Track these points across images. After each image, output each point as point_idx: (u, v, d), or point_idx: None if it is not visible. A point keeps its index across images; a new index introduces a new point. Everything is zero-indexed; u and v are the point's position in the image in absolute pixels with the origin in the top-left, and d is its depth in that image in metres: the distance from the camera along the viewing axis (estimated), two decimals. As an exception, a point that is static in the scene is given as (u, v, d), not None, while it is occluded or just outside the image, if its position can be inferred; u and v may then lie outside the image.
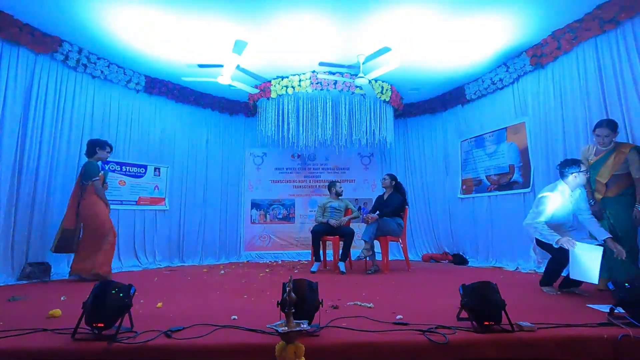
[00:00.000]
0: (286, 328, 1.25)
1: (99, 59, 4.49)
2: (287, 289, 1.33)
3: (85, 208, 3.71)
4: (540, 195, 2.91)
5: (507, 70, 4.65)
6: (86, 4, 3.50)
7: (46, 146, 3.99)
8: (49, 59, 4.05)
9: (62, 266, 4.02)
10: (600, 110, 3.51)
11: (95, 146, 3.84)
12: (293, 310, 1.29)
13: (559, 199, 2.84)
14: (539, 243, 2.97)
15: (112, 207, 4.65)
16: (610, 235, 2.73)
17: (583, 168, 2.82)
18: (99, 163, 3.87)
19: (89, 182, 3.71)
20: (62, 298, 2.66)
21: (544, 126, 4.21)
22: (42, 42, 3.91)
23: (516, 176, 4.71)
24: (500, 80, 4.80)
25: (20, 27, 3.69)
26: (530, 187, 4.44)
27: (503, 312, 1.74)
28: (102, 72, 4.56)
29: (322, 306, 1.76)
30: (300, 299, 1.59)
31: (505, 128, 4.88)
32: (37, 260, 3.77)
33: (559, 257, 2.78)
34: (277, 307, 1.66)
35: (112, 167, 4.80)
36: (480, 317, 1.74)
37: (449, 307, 2.09)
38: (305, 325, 1.30)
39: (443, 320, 1.86)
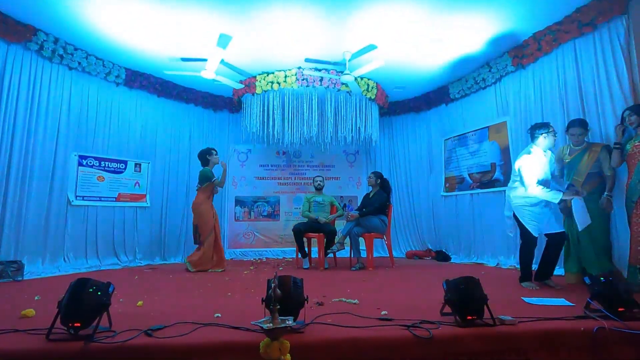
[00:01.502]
0: (271, 325, 1.23)
1: (76, 49, 4.32)
2: (272, 285, 1.31)
3: (193, 207, 4.32)
4: (520, 164, 2.94)
5: (489, 71, 4.74)
6: (63, -8, 3.36)
7: (19, 138, 3.83)
8: (22, 49, 3.87)
9: (36, 265, 3.87)
10: (577, 111, 3.62)
11: (205, 155, 4.37)
12: (278, 307, 1.27)
13: (538, 159, 2.93)
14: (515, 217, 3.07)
15: (89, 204, 4.54)
16: (570, 182, 3.03)
17: (551, 129, 2.97)
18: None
19: (198, 186, 4.32)
20: (36, 297, 2.55)
21: (524, 126, 4.29)
22: (15, 30, 3.73)
23: (497, 174, 4.81)
24: (483, 80, 4.89)
25: (-9, 14, 3.52)
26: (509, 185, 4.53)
27: (485, 306, 1.77)
28: (79, 63, 4.40)
29: (307, 303, 1.75)
30: (285, 296, 1.58)
31: (488, 127, 4.98)
32: (10, 258, 3.61)
33: (526, 237, 2.96)
34: (262, 304, 1.64)
35: (90, 162, 4.64)
36: (463, 311, 1.76)
37: (433, 303, 2.11)
38: (290, 322, 1.28)
39: (427, 315, 1.88)
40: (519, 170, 2.95)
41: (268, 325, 1.23)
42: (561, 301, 2.28)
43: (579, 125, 3.15)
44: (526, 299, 2.36)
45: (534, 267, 3.07)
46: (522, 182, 2.93)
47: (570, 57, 3.75)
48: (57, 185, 4.21)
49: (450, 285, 1.87)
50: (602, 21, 3.42)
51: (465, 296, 1.79)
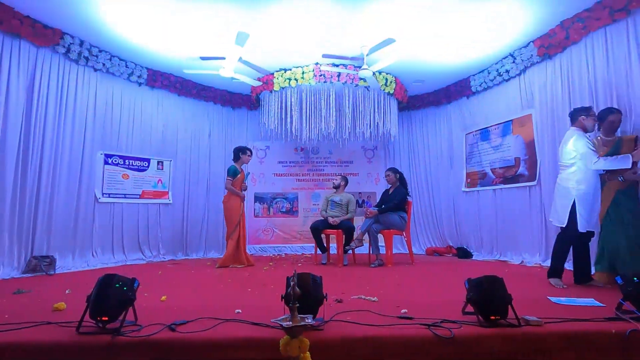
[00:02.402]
0: (290, 323, 1.24)
1: (100, 51, 4.46)
2: (292, 283, 1.31)
3: (223, 203, 4.43)
4: (575, 141, 2.78)
5: (513, 62, 4.57)
6: (87, -4, 3.46)
7: (49, 139, 3.98)
8: (50, 52, 4.02)
9: (66, 259, 4.05)
10: (607, 103, 3.44)
11: (239, 152, 4.49)
12: (297, 305, 1.28)
13: (583, 136, 2.81)
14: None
15: (115, 201, 4.69)
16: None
17: (591, 112, 2.89)
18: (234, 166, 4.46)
19: (226, 182, 4.42)
20: (67, 291, 2.67)
21: (551, 118, 4.14)
22: (43, 34, 3.88)
23: (522, 169, 4.66)
24: (507, 71, 4.72)
25: (21, 20, 3.67)
26: (536, 180, 4.39)
27: (509, 306, 1.72)
28: (104, 64, 4.53)
29: (326, 300, 1.75)
30: (304, 293, 1.58)
31: (511, 120, 4.82)
32: (42, 253, 3.79)
33: (570, 230, 2.76)
34: (281, 301, 1.65)
35: (115, 161, 4.79)
36: (486, 311, 1.72)
37: (454, 301, 2.07)
38: (309, 320, 1.29)
39: (448, 314, 1.84)
40: (575, 148, 2.77)
41: (287, 323, 1.24)
42: (590, 301, 2.19)
43: (619, 111, 3.04)
44: (553, 299, 2.28)
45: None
46: (583, 160, 2.74)
47: (600, 46, 3.57)
48: (85, 183, 4.38)
49: (473, 284, 1.82)
50: (637, 6, 3.23)
51: (489, 295, 1.75)
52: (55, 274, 3.70)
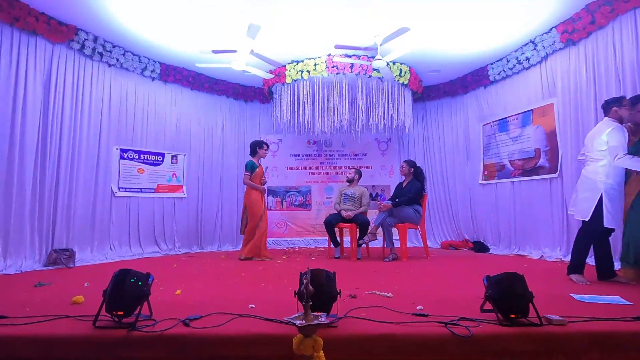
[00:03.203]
0: (304, 321, 1.21)
1: (114, 47, 4.49)
2: (304, 281, 1.28)
3: (244, 198, 4.47)
4: (608, 132, 2.66)
5: (534, 48, 4.39)
6: (99, -9, 3.47)
7: (67, 134, 4.06)
8: (65, 48, 4.07)
9: (85, 252, 4.15)
10: (635, 89, 3.28)
11: (256, 146, 4.53)
12: (310, 303, 1.25)
13: (623, 130, 2.68)
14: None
15: (131, 195, 4.77)
16: None
17: (625, 102, 2.78)
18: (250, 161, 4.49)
19: (245, 177, 4.42)
20: (85, 284, 2.72)
21: (574, 108, 3.97)
22: (58, 31, 3.92)
23: (542, 161, 4.50)
24: (527, 59, 4.54)
25: (37, 17, 3.71)
26: (557, 173, 4.23)
27: (530, 304, 1.65)
28: (117, 60, 4.57)
29: (340, 296, 1.72)
30: (318, 290, 1.55)
31: (532, 110, 4.65)
32: (62, 246, 3.89)
33: (593, 225, 2.65)
34: (295, 297, 1.63)
35: (131, 155, 4.86)
36: (506, 309, 1.66)
37: (471, 298, 2.02)
38: (323, 319, 1.26)
39: (465, 311, 1.79)
40: (608, 140, 2.65)
41: (300, 322, 1.21)
42: (616, 299, 2.10)
43: None
44: (576, 297, 2.19)
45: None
46: (610, 153, 2.63)
47: (629, 30, 3.38)
48: (102, 177, 4.45)
49: (492, 282, 1.76)
50: (670, -14, 3.04)
51: (509, 293, 1.68)
52: (74, 266, 3.79)
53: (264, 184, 4.54)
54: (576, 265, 2.79)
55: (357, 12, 3.86)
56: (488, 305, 1.76)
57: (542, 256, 4.23)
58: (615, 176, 2.67)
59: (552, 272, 3.26)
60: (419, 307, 1.92)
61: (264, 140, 4.72)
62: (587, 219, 2.73)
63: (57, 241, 3.89)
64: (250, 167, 4.41)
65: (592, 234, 2.74)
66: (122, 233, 4.69)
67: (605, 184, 2.66)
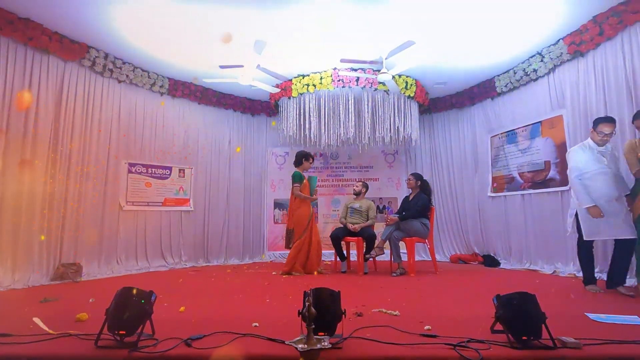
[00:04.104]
0: (306, 346, 1.18)
1: (124, 63, 4.59)
2: (307, 304, 1.25)
3: (291, 210, 4.40)
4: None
5: (542, 60, 4.36)
6: (110, 11, 3.56)
7: (76, 149, 4.12)
8: (77, 66, 4.17)
9: (92, 266, 4.15)
10: (647, 101, 3.21)
11: (302, 157, 4.50)
12: (313, 327, 1.22)
13: (583, 152, 2.99)
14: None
15: (138, 209, 4.80)
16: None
17: (595, 126, 2.97)
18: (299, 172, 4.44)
19: (293, 189, 4.37)
20: (90, 300, 2.72)
21: (584, 119, 3.90)
22: (70, 49, 4.03)
23: (552, 173, 4.42)
24: (534, 71, 4.51)
25: (50, 36, 3.82)
26: (568, 185, 4.14)
27: (543, 325, 1.59)
28: (127, 76, 4.66)
29: (344, 316, 1.68)
30: (322, 310, 1.52)
31: (540, 122, 4.59)
32: (70, 260, 3.90)
33: (579, 238, 2.99)
34: (298, 316, 1.59)
35: (139, 169, 4.91)
36: (518, 331, 1.59)
37: (481, 316, 1.95)
38: (326, 343, 1.22)
39: (475, 332, 1.73)
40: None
41: (302, 346, 1.18)
42: (634, 319, 2.01)
43: None
44: (591, 316, 2.10)
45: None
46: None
47: (639, 41, 3.33)
48: (110, 191, 4.49)
49: (502, 301, 1.70)
50: (679, -3, 3.00)
51: (520, 314, 1.62)
52: (81, 281, 3.80)
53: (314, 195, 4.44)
54: (585, 278, 3.01)
55: (362, 26, 3.89)
56: (499, 326, 1.70)
57: (554, 271, 4.11)
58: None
59: (566, 288, 3.16)
60: (426, 327, 1.86)
61: (310, 153, 4.60)
62: (567, 233, 3.19)
63: (65, 255, 3.91)
64: (299, 178, 4.34)
65: (581, 247, 3.02)
66: (129, 247, 4.70)
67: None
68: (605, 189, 2.83)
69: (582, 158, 2.94)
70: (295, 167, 4.52)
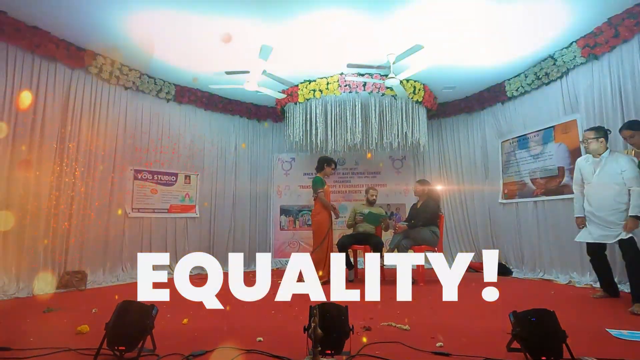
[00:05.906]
0: (311, 368, 1.10)
1: (130, 70, 4.59)
2: (312, 324, 1.18)
3: (312, 216, 4.37)
4: None
5: (554, 64, 4.25)
6: (117, 18, 3.56)
7: (82, 157, 4.11)
8: (84, 73, 4.17)
9: (97, 274, 4.13)
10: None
11: (324, 162, 4.43)
12: (319, 349, 1.14)
13: (585, 162, 3.11)
14: None
15: (143, 215, 4.76)
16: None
17: (588, 135, 3.02)
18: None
19: (315, 195, 4.26)
20: (93, 310, 2.68)
21: (599, 123, 3.75)
22: (77, 56, 4.03)
23: (567, 179, 4.28)
24: (547, 74, 4.40)
25: (57, 44, 3.83)
26: (583, 192, 4.00)
27: (564, 344, 1.49)
28: (133, 83, 4.66)
29: (352, 333, 1.60)
30: (328, 327, 1.44)
31: (553, 127, 4.47)
32: (75, 268, 3.88)
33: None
34: (304, 332, 1.52)
35: (145, 176, 4.89)
36: (536, 350, 1.50)
37: (495, 331, 1.86)
38: (332, 364, 1.14)
39: (490, 349, 1.65)
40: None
41: (308, 369, 1.11)
42: None
43: None
44: (613, 332, 1.99)
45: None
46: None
47: (656, 43, 3.23)
48: (115, 199, 4.47)
49: (519, 318, 1.61)
50: (699, -3, 2.89)
51: (538, 332, 1.53)
52: (86, 289, 3.77)
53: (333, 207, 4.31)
54: (601, 285, 3.16)
55: (369, 31, 3.83)
56: (515, 344, 1.61)
57: (570, 281, 3.96)
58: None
59: (583, 300, 3.03)
60: (438, 344, 1.78)
61: (332, 159, 4.53)
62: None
63: (70, 263, 3.88)
64: (322, 183, 4.26)
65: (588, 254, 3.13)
66: (134, 254, 4.64)
67: None
68: (596, 200, 2.97)
69: (580, 168, 3.15)
70: (317, 172, 4.44)
